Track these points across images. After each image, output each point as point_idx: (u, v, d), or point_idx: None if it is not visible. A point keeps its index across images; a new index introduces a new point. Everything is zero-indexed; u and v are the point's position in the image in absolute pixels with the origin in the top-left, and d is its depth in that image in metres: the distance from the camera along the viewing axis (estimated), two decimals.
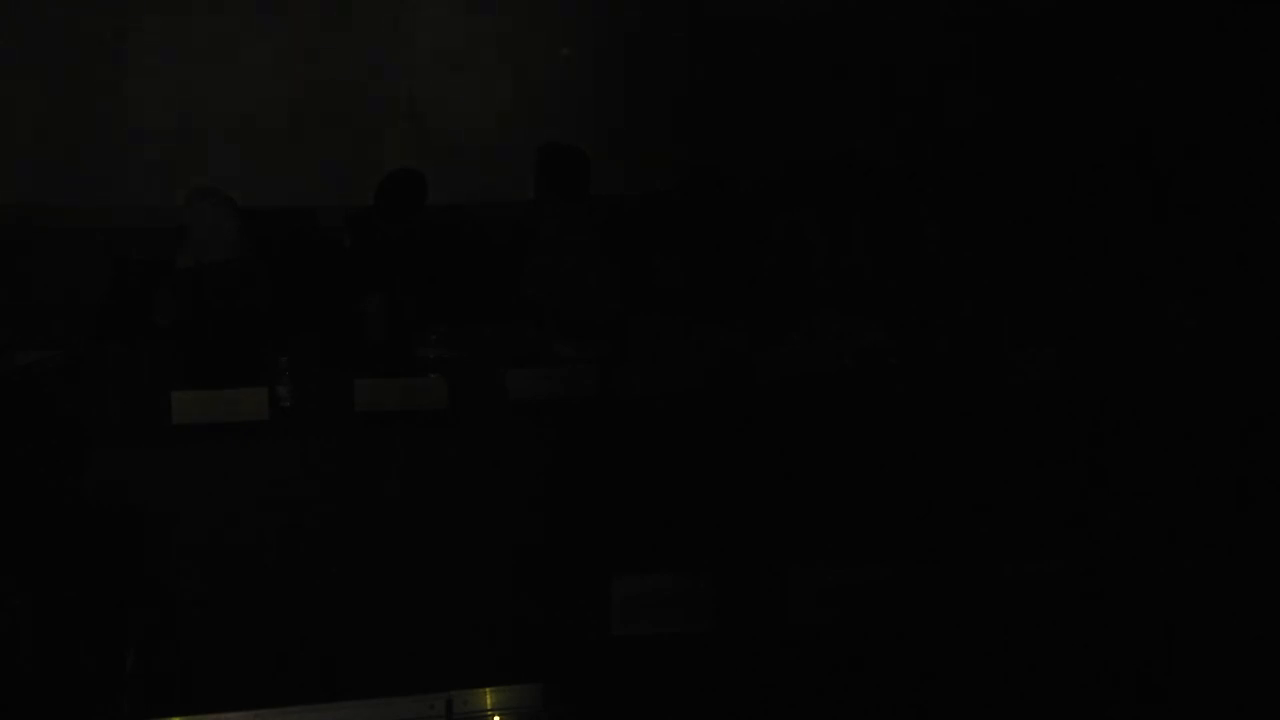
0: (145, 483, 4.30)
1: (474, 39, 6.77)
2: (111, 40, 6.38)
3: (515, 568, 4.49)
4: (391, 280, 5.28)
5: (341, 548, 4.42)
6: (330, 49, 6.57)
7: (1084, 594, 4.00)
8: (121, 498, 4.24)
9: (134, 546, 4.22)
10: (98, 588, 4.06)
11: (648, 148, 6.73)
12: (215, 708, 3.38)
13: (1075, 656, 3.68)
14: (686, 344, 5.02)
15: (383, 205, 5.59)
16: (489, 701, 3.41)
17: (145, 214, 6.07)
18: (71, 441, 4.30)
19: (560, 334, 5.15)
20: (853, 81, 6.89)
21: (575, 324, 5.22)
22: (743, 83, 6.87)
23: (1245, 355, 5.13)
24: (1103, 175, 6.15)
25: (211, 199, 5.21)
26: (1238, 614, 3.87)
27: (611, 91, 6.85)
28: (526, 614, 4.40)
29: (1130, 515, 4.68)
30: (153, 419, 4.46)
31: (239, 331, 4.98)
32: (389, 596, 4.43)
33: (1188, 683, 3.59)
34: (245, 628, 4.31)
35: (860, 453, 4.74)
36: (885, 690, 3.56)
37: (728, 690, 3.55)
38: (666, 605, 3.71)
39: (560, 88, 6.85)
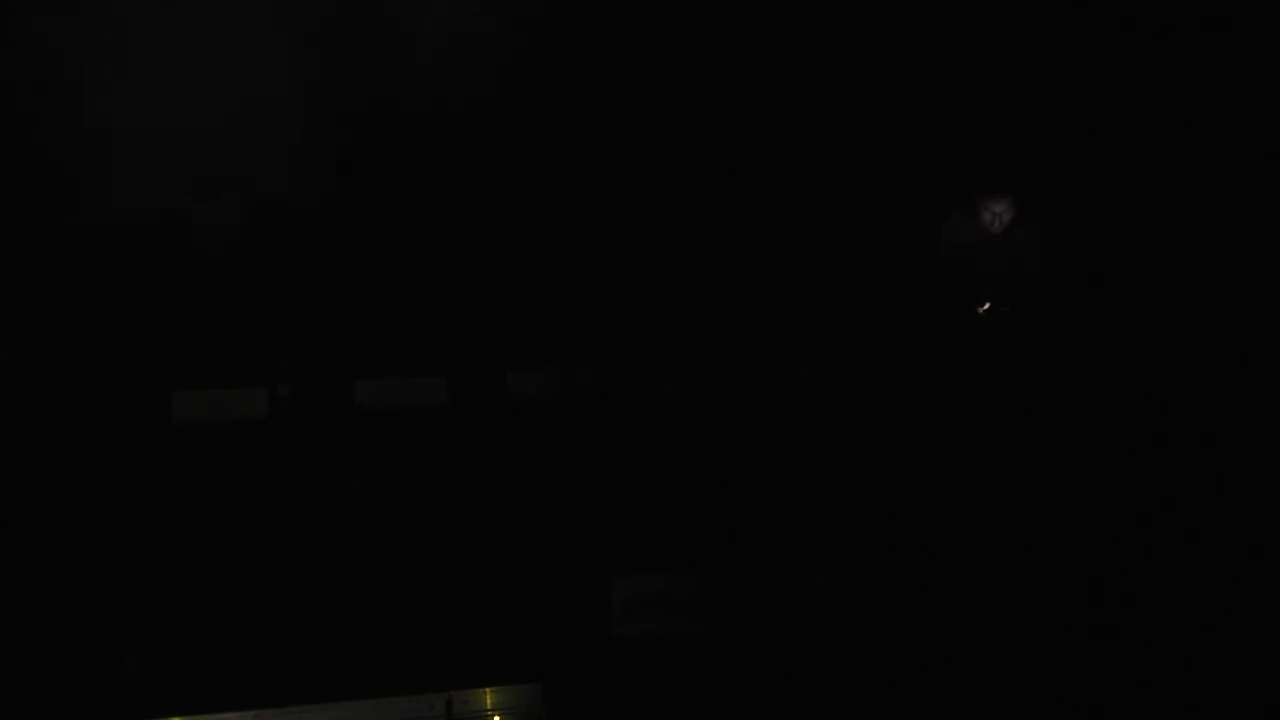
0: (145, 483, 4.30)
1: (477, 36, 6.76)
2: (110, 39, 6.37)
3: (515, 568, 4.49)
4: (392, 279, 5.28)
5: (341, 547, 4.42)
6: (330, 48, 6.56)
7: (1079, 594, 4.00)
8: (121, 498, 4.24)
9: (133, 547, 4.22)
10: (96, 588, 4.06)
11: (647, 146, 6.72)
12: (215, 708, 3.38)
13: (1071, 656, 3.68)
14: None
15: (384, 205, 5.59)
16: (489, 701, 3.41)
17: (143, 214, 6.05)
18: (71, 441, 4.30)
19: (560, 333, 5.15)
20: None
21: (576, 323, 5.22)
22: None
23: (1245, 355, 5.12)
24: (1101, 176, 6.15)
25: (211, 197, 5.21)
26: (1235, 614, 3.87)
27: (611, 90, 6.84)
28: (526, 614, 4.40)
29: (1126, 516, 4.67)
30: (153, 419, 4.46)
31: (238, 330, 4.97)
32: (389, 596, 4.42)
33: (1182, 682, 3.60)
34: (245, 627, 4.31)
35: (859, 454, 4.74)
36: (884, 690, 3.56)
37: (727, 690, 3.55)
38: (666, 605, 3.71)
39: (560, 86, 6.84)
